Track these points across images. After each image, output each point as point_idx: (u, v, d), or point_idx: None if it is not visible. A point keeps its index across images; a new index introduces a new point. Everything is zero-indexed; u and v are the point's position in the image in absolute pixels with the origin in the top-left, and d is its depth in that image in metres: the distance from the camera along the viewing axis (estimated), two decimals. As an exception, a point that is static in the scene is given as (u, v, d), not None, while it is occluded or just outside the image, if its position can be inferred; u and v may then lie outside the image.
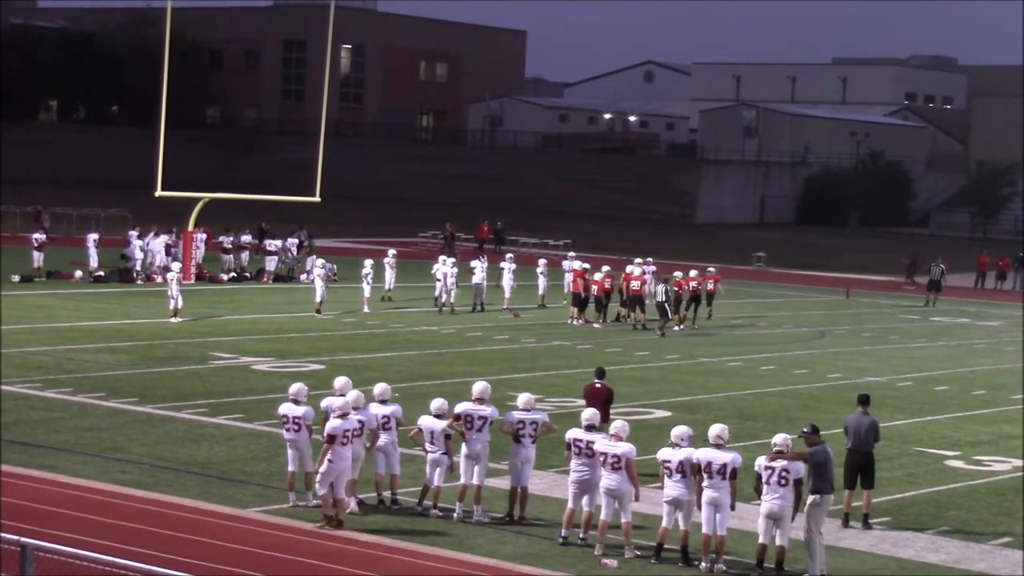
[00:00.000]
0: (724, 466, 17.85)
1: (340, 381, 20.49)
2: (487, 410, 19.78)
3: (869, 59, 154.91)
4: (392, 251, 49.76)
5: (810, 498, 18.17)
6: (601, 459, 18.41)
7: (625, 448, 18.35)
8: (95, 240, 51.75)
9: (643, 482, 19.22)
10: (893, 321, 51.12)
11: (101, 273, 50.10)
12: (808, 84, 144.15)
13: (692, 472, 17.99)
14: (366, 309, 44.08)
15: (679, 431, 18.34)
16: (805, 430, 18.90)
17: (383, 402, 20.23)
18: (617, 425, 18.63)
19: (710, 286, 46.85)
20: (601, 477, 18.40)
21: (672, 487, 18.11)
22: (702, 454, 18.01)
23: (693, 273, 46.43)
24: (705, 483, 17.90)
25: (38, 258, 49.65)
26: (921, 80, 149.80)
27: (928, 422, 29.66)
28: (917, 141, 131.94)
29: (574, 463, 18.74)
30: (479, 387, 20.03)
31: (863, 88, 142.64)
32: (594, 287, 44.10)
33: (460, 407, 19.90)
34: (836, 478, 19.17)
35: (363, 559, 17.75)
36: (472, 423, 19.70)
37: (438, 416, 19.85)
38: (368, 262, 45.14)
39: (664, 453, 18.27)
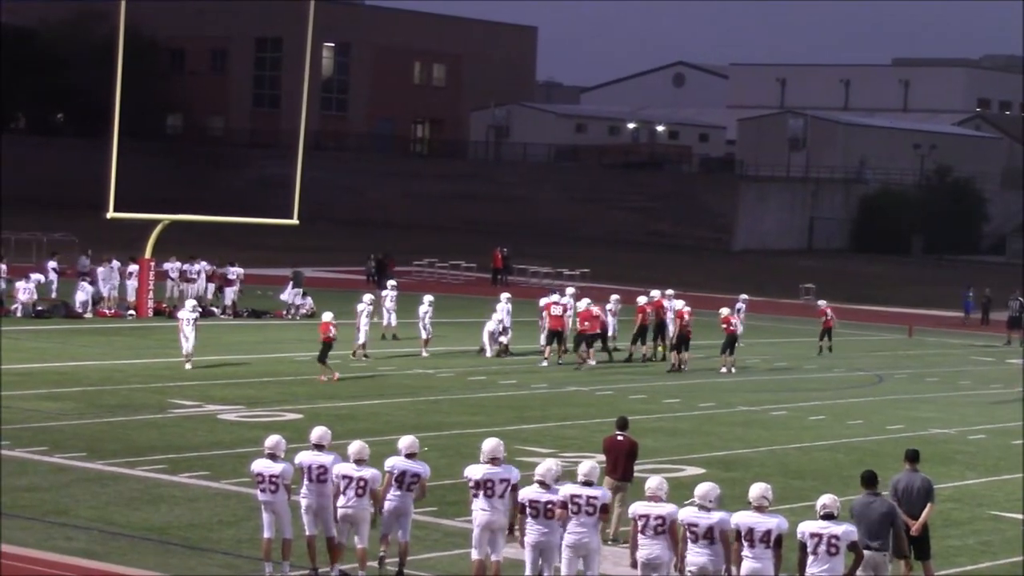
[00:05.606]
0: (768, 533, 17.78)
1: (318, 432, 20.43)
2: (418, 467, 20.21)
3: (935, 59, 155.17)
4: (392, 282, 50.15)
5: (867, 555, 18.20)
6: (641, 524, 18.32)
7: (669, 508, 18.28)
8: (54, 267, 53.34)
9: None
10: (963, 363, 51.05)
11: (42, 307, 50.22)
12: (864, 88, 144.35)
13: (725, 539, 17.89)
14: (363, 354, 43.17)
15: (707, 489, 18.19)
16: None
17: (359, 462, 20.01)
18: (654, 483, 18.54)
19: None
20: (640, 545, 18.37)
21: (697, 554, 18.00)
22: (743, 519, 17.92)
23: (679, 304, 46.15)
24: (746, 552, 17.83)
25: None
26: (996, 84, 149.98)
27: (1005, 481, 29.57)
28: (991, 155, 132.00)
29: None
30: (407, 441, 20.39)
31: (928, 93, 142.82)
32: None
33: (390, 462, 20.14)
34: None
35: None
36: (404, 481, 20.04)
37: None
38: (367, 297, 44.48)
39: (688, 514, 18.12)
